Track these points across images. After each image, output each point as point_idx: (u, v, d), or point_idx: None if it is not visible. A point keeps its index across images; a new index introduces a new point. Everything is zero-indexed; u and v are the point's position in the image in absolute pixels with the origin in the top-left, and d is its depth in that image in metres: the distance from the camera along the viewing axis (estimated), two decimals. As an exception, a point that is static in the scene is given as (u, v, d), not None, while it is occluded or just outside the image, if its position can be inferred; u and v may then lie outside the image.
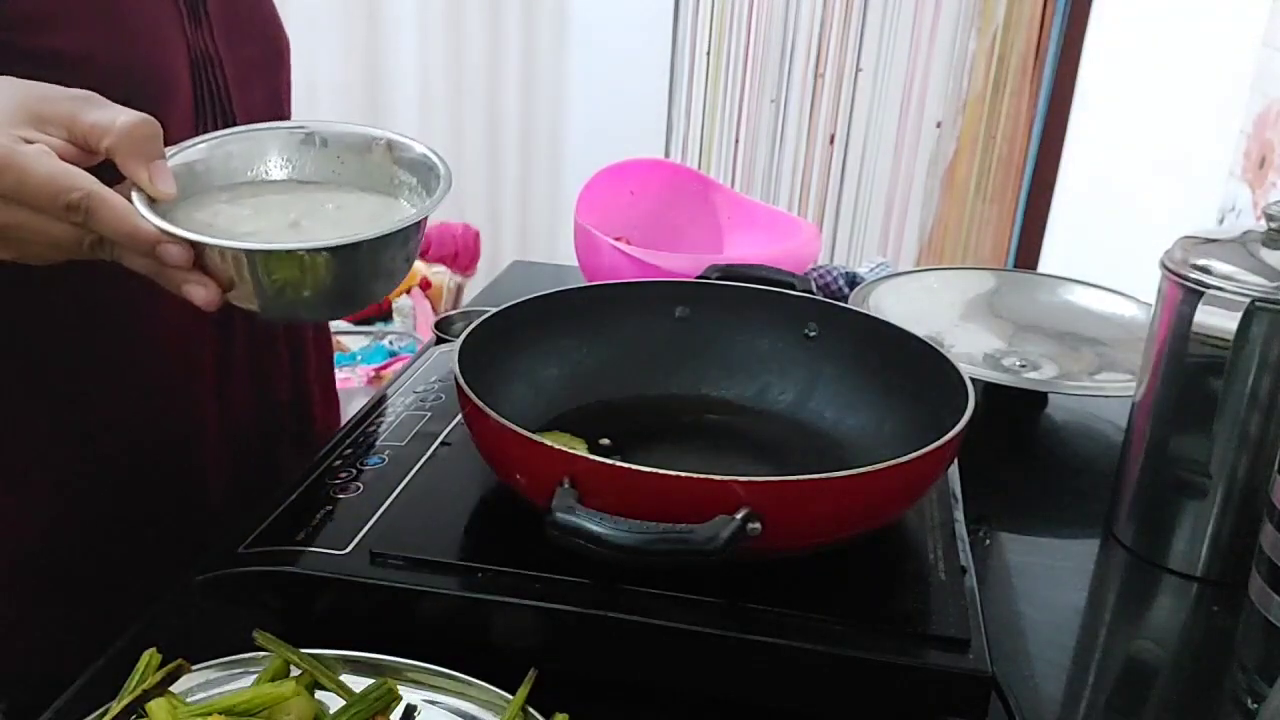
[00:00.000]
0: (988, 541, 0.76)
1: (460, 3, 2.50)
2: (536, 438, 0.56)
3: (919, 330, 0.73)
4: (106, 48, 0.64)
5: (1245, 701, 0.61)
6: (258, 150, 0.63)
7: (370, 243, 0.55)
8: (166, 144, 0.58)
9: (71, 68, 0.61)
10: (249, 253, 0.54)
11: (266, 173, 0.63)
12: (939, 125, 2.36)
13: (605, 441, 0.70)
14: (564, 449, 0.55)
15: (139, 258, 0.53)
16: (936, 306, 1.05)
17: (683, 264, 0.97)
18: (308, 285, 0.55)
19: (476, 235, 2.62)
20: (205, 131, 0.70)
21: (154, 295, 0.56)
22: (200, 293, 0.53)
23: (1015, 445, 0.94)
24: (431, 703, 0.51)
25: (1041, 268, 2.22)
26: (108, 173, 0.53)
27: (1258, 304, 0.66)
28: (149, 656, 0.48)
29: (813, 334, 0.77)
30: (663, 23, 2.38)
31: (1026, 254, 2.34)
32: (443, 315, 1.01)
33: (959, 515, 0.65)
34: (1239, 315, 0.66)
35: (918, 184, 2.41)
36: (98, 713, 0.47)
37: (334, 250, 0.54)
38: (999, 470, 0.88)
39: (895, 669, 0.52)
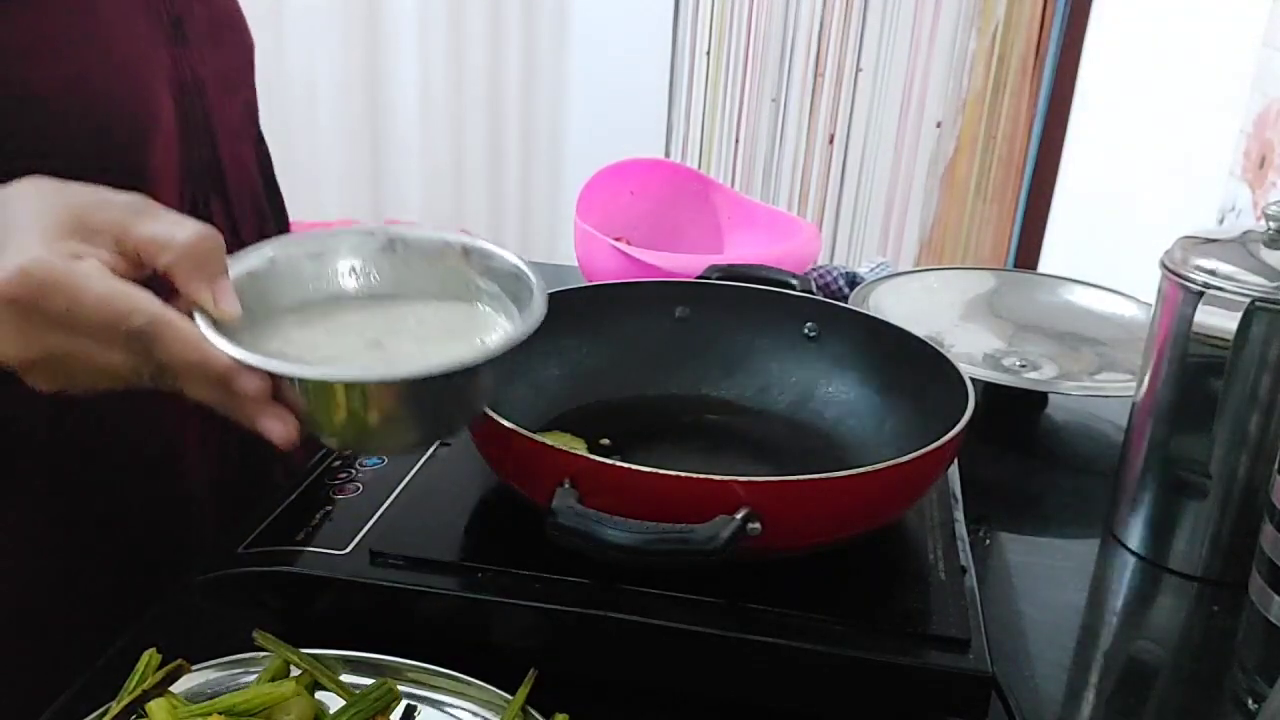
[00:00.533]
0: (988, 541, 0.76)
1: (461, 2, 2.50)
2: (536, 438, 0.56)
3: (919, 330, 0.73)
4: (89, 78, 0.61)
5: (1245, 701, 0.61)
6: (326, 257, 0.56)
7: (465, 371, 0.49)
8: (150, 188, 0.56)
9: (54, 100, 0.58)
10: (336, 383, 0.48)
11: (336, 284, 0.56)
12: (939, 125, 2.36)
13: (605, 441, 0.70)
14: (564, 449, 0.55)
15: (207, 388, 0.47)
16: (936, 306, 1.05)
17: (683, 264, 0.97)
18: (399, 414, 0.49)
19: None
20: (189, 161, 0.69)
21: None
22: (278, 428, 0.48)
23: (1015, 445, 0.94)
24: (431, 703, 0.51)
25: (1041, 268, 2.22)
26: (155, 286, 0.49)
27: (1258, 304, 0.66)
28: (149, 656, 0.48)
29: (813, 334, 0.77)
30: (663, 23, 2.38)
31: (1026, 254, 2.34)
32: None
33: (959, 515, 0.65)
34: (1239, 315, 0.66)
35: (918, 184, 2.41)
36: (98, 713, 0.47)
37: (430, 377, 0.48)
38: (999, 470, 0.88)
39: (895, 669, 0.52)
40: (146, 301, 0.46)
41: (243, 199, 0.76)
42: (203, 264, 0.48)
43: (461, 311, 0.56)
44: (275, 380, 0.47)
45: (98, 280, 0.45)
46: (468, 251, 0.57)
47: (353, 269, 0.57)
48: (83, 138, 0.61)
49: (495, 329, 0.55)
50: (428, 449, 0.58)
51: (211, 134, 0.71)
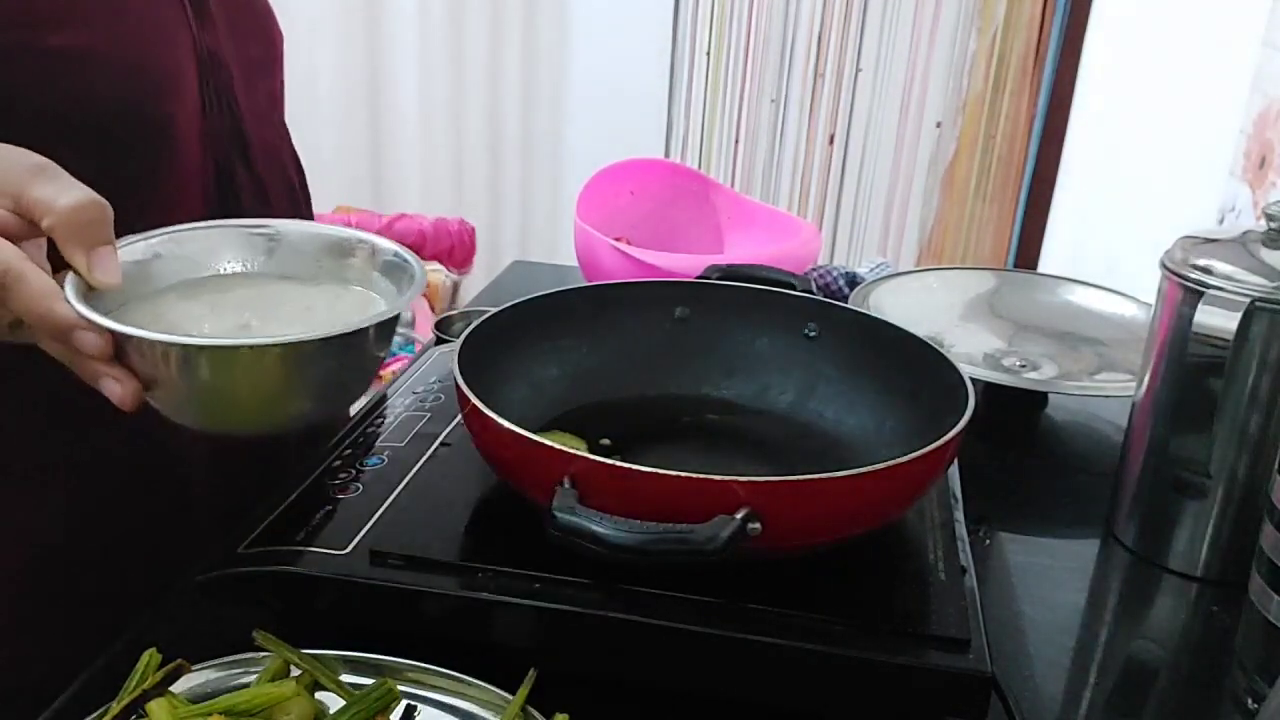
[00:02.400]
0: (988, 541, 0.76)
1: (461, 2, 2.50)
2: (536, 438, 0.56)
3: (919, 330, 0.73)
4: (113, 46, 0.63)
5: (1245, 701, 0.61)
6: (217, 245, 0.58)
7: (317, 343, 0.49)
8: (173, 151, 0.57)
9: (79, 65, 0.61)
10: (170, 346, 0.48)
11: (221, 270, 0.58)
12: (939, 125, 2.36)
13: (605, 441, 0.70)
14: (564, 449, 0.55)
15: (55, 343, 0.49)
16: (936, 306, 1.05)
17: (683, 264, 0.97)
18: (238, 389, 0.49)
19: (472, 231, 2.60)
20: (213, 131, 0.71)
21: None
22: (115, 388, 0.49)
23: (1015, 445, 0.94)
24: (431, 703, 0.51)
25: (1041, 268, 2.22)
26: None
27: (1258, 304, 0.66)
28: (149, 656, 0.48)
29: (813, 334, 0.77)
30: (663, 23, 2.38)
31: (1026, 254, 2.34)
32: (442, 315, 1.01)
33: (959, 515, 0.65)
34: (1239, 315, 0.66)
35: (918, 184, 2.41)
36: (98, 713, 0.47)
37: (269, 348, 0.48)
38: (999, 470, 0.88)
39: (895, 669, 0.52)
40: (6, 252, 0.47)
41: (271, 172, 0.77)
42: (84, 229, 0.49)
43: (344, 296, 0.57)
44: (120, 344, 0.48)
45: None
46: (351, 241, 0.59)
47: (238, 259, 0.59)
48: (111, 96, 0.62)
49: (370, 303, 0.56)
50: (278, 433, 0.56)
51: (235, 109, 0.72)
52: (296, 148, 0.83)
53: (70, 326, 0.48)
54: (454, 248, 2.57)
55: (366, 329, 0.51)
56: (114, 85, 0.55)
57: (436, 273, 2.53)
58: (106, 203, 0.50)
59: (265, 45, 0.78)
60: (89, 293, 0.49)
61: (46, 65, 0.58)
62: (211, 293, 0.56)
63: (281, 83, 0.82)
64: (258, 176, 0.75)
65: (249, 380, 0.49)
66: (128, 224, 0.56)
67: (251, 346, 0.48)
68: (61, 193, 0.49)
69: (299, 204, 0.82)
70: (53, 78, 0.53)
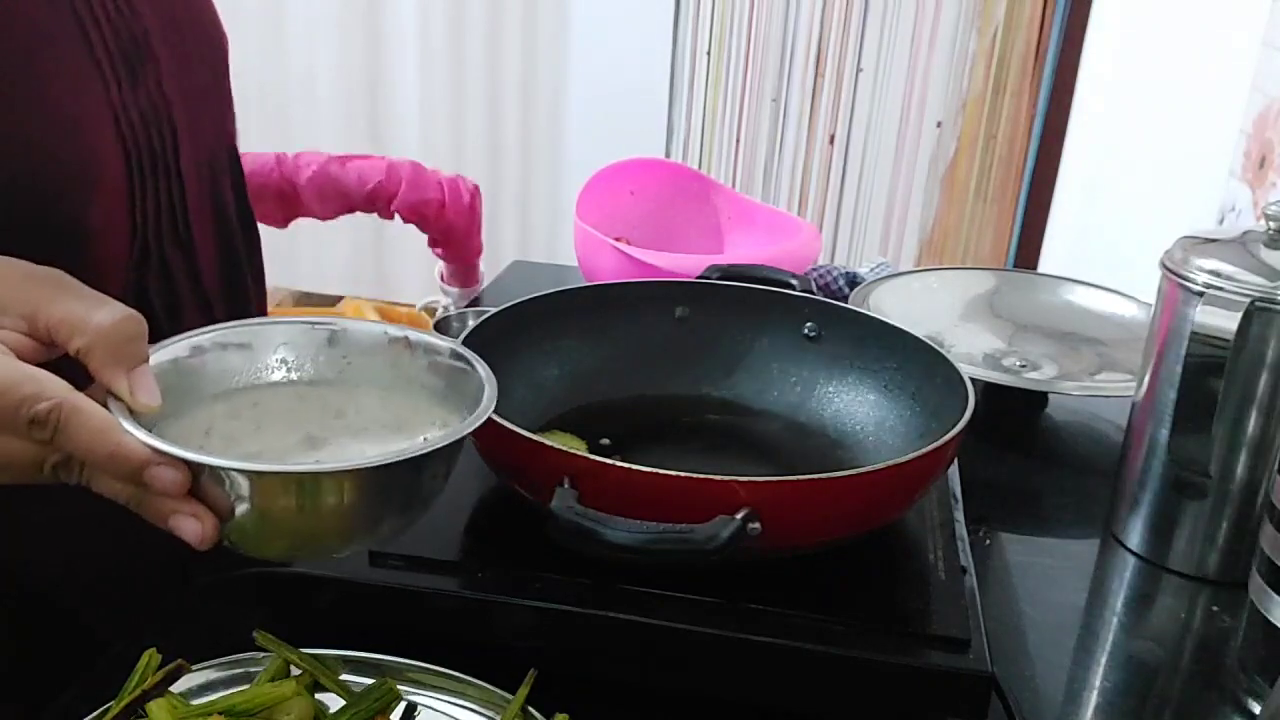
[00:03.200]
0: (988, 541, 0.76)
1: (461, 2, 2.50)
2: (536, 438, 0.56)
3: (919, 330, 0.73)
4: (23, 134, 0.55)
5: (1245, 702, 0.61)
6: (258, 347, 0.52)
7: (412, 461, 0.44)
8: (92, 245, 0.52)
9: None
10: (262, 475, 0.43)
11: (268, 375, 0.52)
12: (939, 125, 2.36)
13: (605, 441, 0.70)
14: (564, 449, 0.55)
15: (117, 483, 0.43)
16: (936, 306, 1.05)
17: (683, 264, 0.97)
18: (331, 513, 0.44)
19: (475, 190, 1.58)
20: (142, 208, 0.63)
21: None
22: (193, 526, 0.43)
23: (1015, 445, 0.94)
24: (431, 703, 0.51)
25: (1041, 268, 2.22)
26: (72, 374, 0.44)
27: (1258, 304, 0.66)
28: (149, 656, 0.48)
29: (813, 334, 0.77)
30: (663, 23, 2.38)
31: (1026, 254, 2.34)
32: (442, 316, 1.01)
33: (959, 515, 0.65)
34: (1239, 315, 0.66)
35: (918, 184, 2.41)
36: (97, 712, 0.47)
37: (367, 471, 0.44)
38: (999, 470, 0.88)
39: (895, 669, 0.52)
40: (52, 385, 0.42)
41: (207, 244, 0.69)
42: (120, 349, 0.44)
43: (401, 404, 0.52)
44: (196, 475, 0.43)
45: (6, 365, 0.41)
46: (410, 344, 0.53)
47: (284, 361, 0.53)
48: (16, 193, 0.56)
49: (436, 422, 0.51)
50: (354, 552, 0.51)
51: (171, 169, 0.65)
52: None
53: (144, 462, 0.42)
54: (444, 204, 1.52)
55: (456, 442, 0.47)
56: (20, 179, 0.49)
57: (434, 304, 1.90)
58: (142, 317, 0.45)
59: (213, 59, 0.70)
60: (130, 417, 0.44)
61: None
62: (253, 405, 0.51)
63: (230, 92, 0.73)
64: (191, 253, 0.68)
65: (340, 504, 0.45)
66: None
67: (354, 469, 0.44)
68: (92, 309, 0.44)
69: (236, 266, 0.74)
70: None
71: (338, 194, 1.60)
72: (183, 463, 0.42)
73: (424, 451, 0.45)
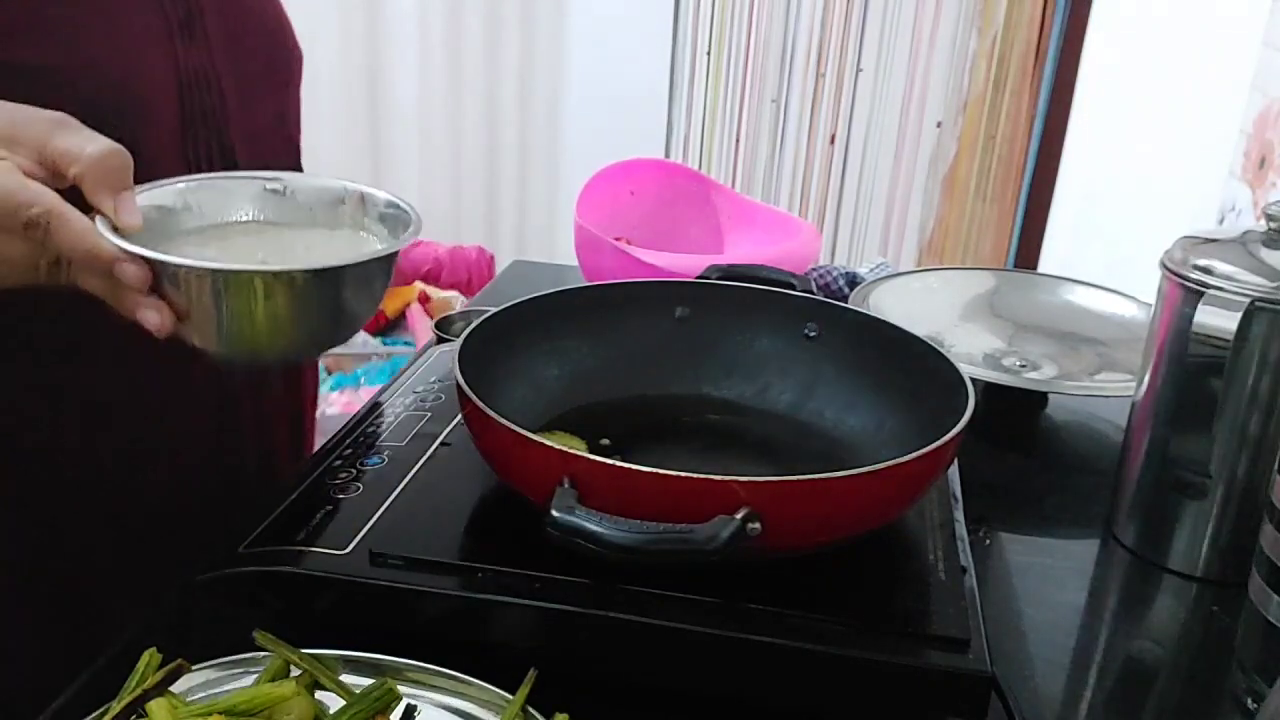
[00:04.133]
0: (988, 541, 0.76)
1: (460, 2, 2.50)
2: (536, 438, 0.56)
3: (919, 330, 0.73)
4: (81, 63, 0.62)
5: (1245, 701, 0.61)
6: (227, 197, 0.63)
7: (338, 271, 0.54)
8: (146, 173, 0.56)
9: (42, 83, 0.59)
10: (212, 273, 0.52)
11: (234, 217, 0.63)
12: (939, 125, 2.36)
13: (605, 441, 0.70)
14: (564, 449, 0.55)
15: (95, 278, 0.52)
16: (936, 306, 1.05)
17: (683, 264, 0.97)
18: (270, 315, 0.53)
19: (490, 260, 2.55)
20: (194, 154, 0.69)
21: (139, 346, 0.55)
22: (153, 317, 0.52)
23: (1015, 445, 0.94)
24: (431, 703, 0.51)
25: (1041, 268, 2.22)
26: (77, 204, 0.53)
27: (1258, 304, 0.66)
28: (149, 656, 0.48)
29: (813, 334, 0.77)
30: (663, 23, 2.38)
31: (1026, 254, 2.34)
32: (442, 315, 1.01)
33: (959, 515, 0.65)
34: (1239, 315, 0.66)
35: (918, 184, 2.41)
36: (97, 713, 0.47)
37: (301, 274, 0.53)
38: (999, 470, 0.88)
39: (895, 669, 0.52)
40: (46, 196, 0.50)
41: None
42: (109, 176, 0.52)
43: (353, 241, 0.63)
44: (157, 276, 0.52)
45: (4, 176, 0.50)
46: (351, 193, 0.64)
47: (250, 207, 0.63)
48: (74, 109, 0.60)
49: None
50: (301, 360, 0.63)
51: (223, 133, 0.71)
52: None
53: (113, 259, 0.51)
54: (471, 277, 2.51)
55: (382, 258, 0.57)
56: (78, 105, 0.54)
57: (450, 297, 2.47)
58: (127, 151, 0.53)
59: (272, 62, 0.76)
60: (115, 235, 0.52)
61: (14, 72, 0.57)
62: (221, 239, 0.61)
63: (297, 101, 0.80)
64: None
65: (278, 305, 0.53)
66: None
67: (286, 272, 0.53)
68: (87, 142, 0.52)
69: None
70: (9, 96, 0.53)
71: (402, 276, 2.36)
72: (144, 260, 0.51)
73: (356, 261, 0.54)
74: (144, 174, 0.63)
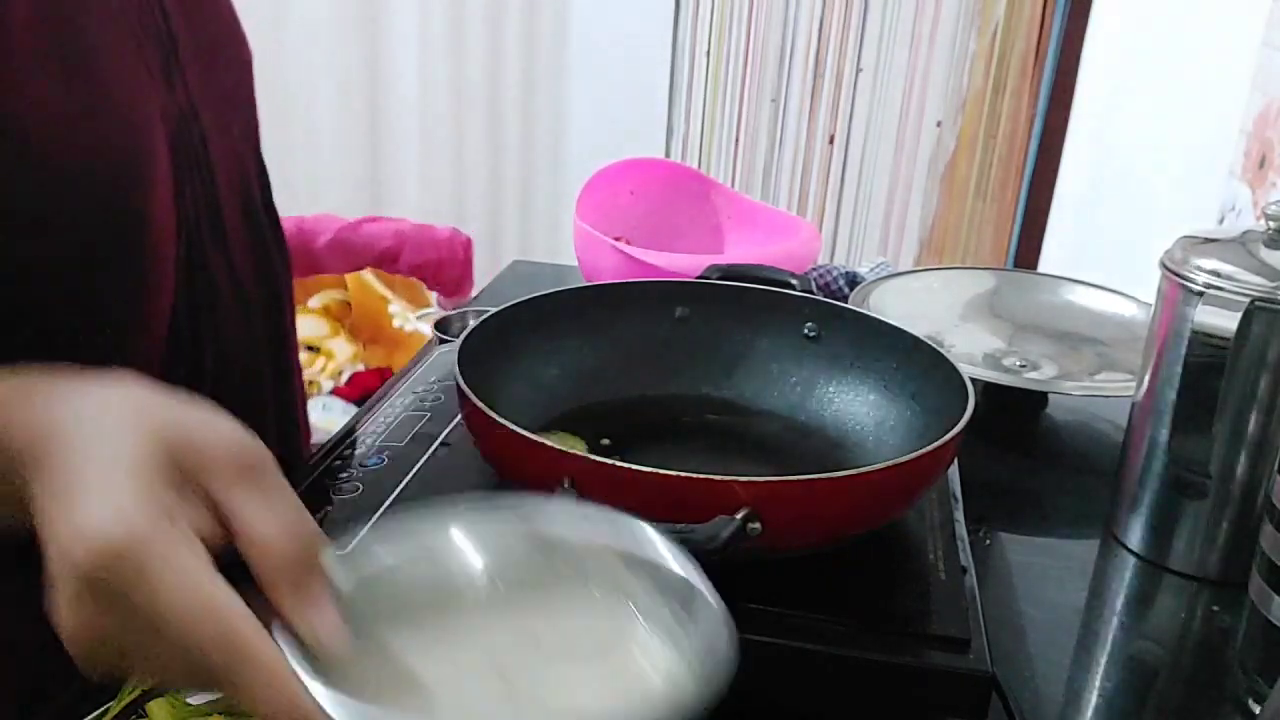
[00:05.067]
0: (988, 541, 0.76)
1: (460, 3, 2.50)
2: (536, 438, 0.56)
3: (919, 330, 0.73)
4: (73, 108, 0.54)
5: (1245, 702, 0.61)
6: (451, 553, 0.44)
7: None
8: (142, 233, 0.52)
9: (35, 133, 0.51)
10: None
11: (460, 584, 0.43)
12: (939, 125, 2.36)
13: (605, 441, 0.70)
14: (564, 449, 0.55)
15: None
16: (936, 306, 1.05)
17: (683, 264, 0.97)
18: None
19: (467, 244, 2.04)
20: (185, 204, 0.62)
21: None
22: None
23: (1015, 445, 0.94)
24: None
25: (1041, 268, 2.22)
26: None
27: (1258, 304, 0.66)
28: (149, 657, 0.47)
29: (813, 334, 0.77)
30: (663, 23, 2.38)
31: (1026, 254, 2.34)
32: (442, 315, 1.01)
33: (959, 515, 0.65)
34: (1239, 315, 0.66)
35: (918, 184, 2.41)
36: (97, 713, 0.47)
37: None
38: (999, 470, 0.88)
39: (895, 669, 0.52)
40: (232, 629, 0.36)
41: (240, 242, 0.70)
42: (299, 575, 0.38)
43: (609, 617, 0.43)
44: None
45: (189, 585, 0.36)
46: (627, 559, 0.44)
47: (482, 569, 0.44)
48: (72, 182, 0.54)
49: (651, 650, 0.42)
50: None
51: (209, 170, 0.65)
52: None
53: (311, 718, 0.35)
54: (441, 262, 1.98)
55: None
56: (74, 164, 0.48)
57: (428, 315, 2.05)
58: (324, 536, 0.40)
59: (236, 74, 0.71)
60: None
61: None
62: (439, 628, 0.42)
63: (254, 109, 0.75)
64: (229, 255, 0.68)
65: None
66: (94, 328, 0.54)
67: None
68: (272, 517, 0.39)
69: (271, 271, 0.74)
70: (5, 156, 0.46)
71: (351, 255, 1.87)
72: None
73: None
74: (149, 238, 0.59)
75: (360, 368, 2.14)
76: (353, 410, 2.21)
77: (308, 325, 2.17)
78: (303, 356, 2.43)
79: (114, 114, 0.57)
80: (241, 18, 0.73)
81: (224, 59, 0.69)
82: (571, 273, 1.16)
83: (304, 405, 0.86)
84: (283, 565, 0.38)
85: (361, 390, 2.06)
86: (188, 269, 0.64)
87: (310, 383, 2.07)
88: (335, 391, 2.05)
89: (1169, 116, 1.61)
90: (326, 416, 1.90)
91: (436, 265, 1.92)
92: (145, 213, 0.59)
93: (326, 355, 2.15)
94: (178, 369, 0.63)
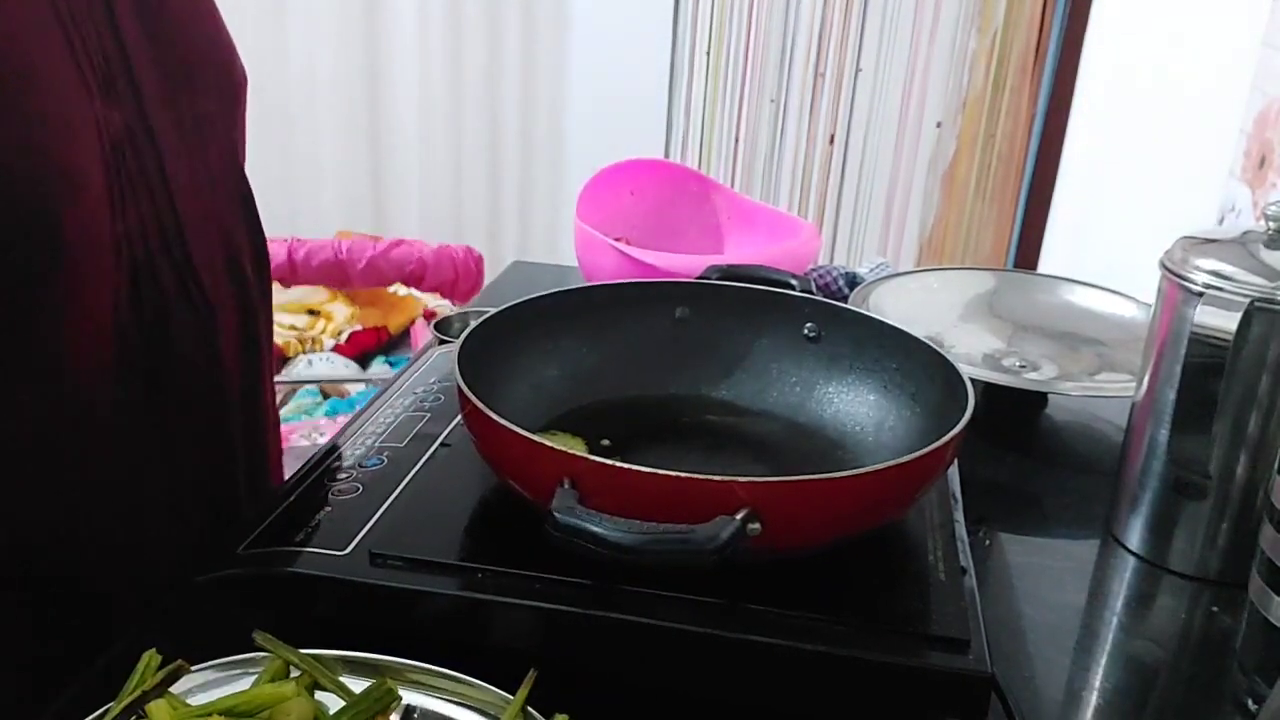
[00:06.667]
0: (988, 541, 0.76)
1: (460, 2, 2.50)
2: (536, 438, 0.56)
3: (919, 330, 0.73)
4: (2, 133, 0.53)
5: (1245, 702, 0.61)
6: None
7: None
8: (73, 253, 0.51)
9: None
10: None
11: None
12: (939, 125, 2.36)
13: (605, 442, 0.70)
14: (564, 449, 0.55)
15: None
16: (936, 306, 1.05)
17: (683, 264, 0.97)
18: None
19: (479, 260, 2.36)
20: (127, 223, 0.62)
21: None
22: None
23: (1015, 445, 0.94)
24: (431, 704, 0.51)
25: (1041, 268, 2.22)
26: None
27: (1258, 304, 0.66)
28: (149, 657, 0.48)
29: (813, 334, 0.77)
30: (663, 23, 2.38)
31: (1026, 254, 2.34)
32: (442, 316, 1.01)
33: (959, 515, 0.65)
34: (1239, 315, 0.66)
35: (918, 184, 2.41)
36: (98, 713, 0.47)
37: None
38: (999, 470, 0.88)
39: (895, 669, 0.52)
40: None
41: (212, 258, 0.69)
42: None
43: None
44: None
45: None
46: None
47: None
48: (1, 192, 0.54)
49: None
50: None
51: (165, 190, 0.64)
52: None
53: None
54: (458, 278, 2.31)
55: None
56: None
57: (442, 307, 2.34)
58: None
59: (224, 97, 0.71)
60: None
61: None
62: None
63: (244, 127, 0.74)
64: (187, 264, 0.68)
65: None
66: (16, 342, 0.53)
67: None
68: None
69: (243, 288, 0.74)
70: None
71: (383, 276, 2.25)
72: None
73: None
74: (68, 255, 0.58)
75: (358, 327, 2.43)
76: (353, 366, 2.34)
77: (309, 291, 2.44)
78: (304, 318, 2.50)
79: (30, 120, 0.56)
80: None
81: (202, 82, 0.68)
82: (571, 273, 1.16)
83: (276, 428, 0.85)
84: None
85: (359, 348, 2.38)
86: (133, 284, 0.63)
87: (313, 340, 2.37)
88: (336, 349, 2.37)
89: (1169, 116, 1.61)
90: (330, 369, 2.31)
91: (454, 283, 2.31)
92: (61, 231, 0.58)
93: (326, 317, 2.45)
94: (133, 382, 0.64)
